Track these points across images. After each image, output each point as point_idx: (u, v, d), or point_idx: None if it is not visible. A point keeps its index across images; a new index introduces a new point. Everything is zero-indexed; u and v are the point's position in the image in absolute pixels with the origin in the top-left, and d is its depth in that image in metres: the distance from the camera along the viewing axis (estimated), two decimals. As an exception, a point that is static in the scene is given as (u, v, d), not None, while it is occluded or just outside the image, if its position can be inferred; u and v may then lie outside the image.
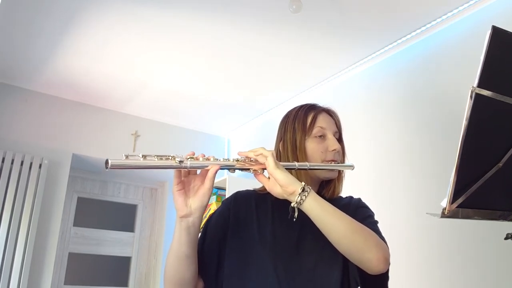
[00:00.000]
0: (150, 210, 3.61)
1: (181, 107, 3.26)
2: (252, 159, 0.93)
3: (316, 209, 0.87)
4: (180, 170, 0.89)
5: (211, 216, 1.06)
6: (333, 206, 0.89)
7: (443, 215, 0.84)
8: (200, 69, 2.72)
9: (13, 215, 2.55)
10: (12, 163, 2.66)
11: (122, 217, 3.54)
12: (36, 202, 2.65)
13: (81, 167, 3.22)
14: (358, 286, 0.96)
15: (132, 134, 3.31)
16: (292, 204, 0.88)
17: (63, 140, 3.00)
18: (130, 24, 2.27)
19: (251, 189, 1.11)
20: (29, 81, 2.88)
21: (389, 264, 0.87)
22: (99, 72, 2.76)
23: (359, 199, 1.10)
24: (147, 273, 3.43)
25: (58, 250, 2.91)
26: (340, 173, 1.09)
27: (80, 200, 3.30)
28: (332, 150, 1.05)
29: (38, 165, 2.74)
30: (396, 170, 2.23)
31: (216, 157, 0.90)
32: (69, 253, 3.13)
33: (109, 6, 2.14)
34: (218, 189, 2.92)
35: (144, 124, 3.39)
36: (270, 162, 0.89)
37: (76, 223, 3.22)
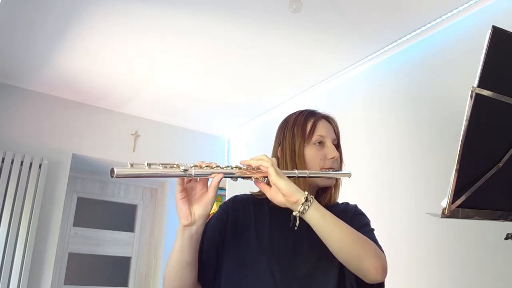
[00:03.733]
0: (150, 210, 3.61)
1: (181, 107, 3.26)
2: (253, 167, 0.93)
3: (318, 218, 0.87)
4: (184, 178, 0.88)
5: (209, 221, 1.05)
6: (333, 216, 0.89)
7: (443, 215, 0.84)
8: (200, 69, 2.72)
9: (13, 215, 2.55)
10: (12, 163, 2.66)
11: (122, 217, 3.54)
12: (36, 202, 2.65)
13: (81, 167, 3.22)
14: None
15: (132, 134, 3.32)
16: (294, 213, 0.88)
17: (63, 140, 3.00)
18: (130, 24, 2.27)
19: (249, 193, 1.10)
20: (29, 81, 2.88)
21: (387, 273, 0.88)
22: (99, 72, 2.76)
23: (355, 206, 1.11)
24: (147, 273, 3.43)
25: (58, 250, 2.91)
26: (337, 180, 1.09)
27: (80, 200, 3.30)
28: (331, 158, 1.05)
29: (38, 165, 2.74)
30: (396, 170, 2.23)
31: (218, 164, 0.90)
32: (69, 253, 3.13)
33: (109, 7, 2.14)
34: (218, 189, 2.92)
35: (144, 124, 3.39)
36: (271, 172, 0.89)
37: (76, 223, 3.22)
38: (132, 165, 0.80)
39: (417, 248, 2.00)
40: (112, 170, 0.78)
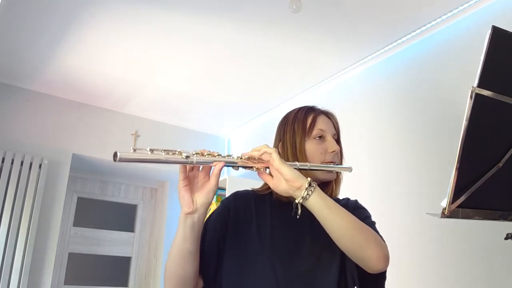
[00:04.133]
0: (150, 210, 3.61)
1: (181, 107, 3.26)
2: (255, 157, 0.93)
3: (321, 205, 0.87)
4: (186, 166, 0.89)
5: (210, 216, 1.06)
6: (336, 203, 0.89)
7: (443, 215, 0.84)
8: (200, 69, 2.72)
9: (13, 215, 2.55)
10: (12, 163, 2.66)
11: (122, 217, 3.54)
12: (36, 202, 2.65)
13: (81, 167, 3.22)
14: (355, 286, 0.97)
15: (132, 134, 3.32)
16: (297, 200, 0.87)
17: (63, 140, 3.00)
18: (131, 24, 2.27)
19: (250, 189, 1.11)
20: (29, 81, 2.88)
21: (389, 262, 0.87)
22: (99, 72, 2.76)
23: (356, 201, 1.11)
24: (147, 273, 3.43)
25: (58, 250, 2.91)
26: (338, 175, 1.10)
27: (80, 200, 3.30)
28: (332, 152, 1.06)
29: (38, 165, 2.74)
30: (396, 170, 2.23)
31: (220, 154, 0.91)
32: (69, 253, 3.13)
33: (109, 7, 2.14)
34: (218, 189, 2.91)
35: (144, 124, 3.39)
36: (275, 158, 0.89)
37: (76, 223, 3.22)
38: (135, 150, 0.82)
39: (417, 248, 2.00)
40: (115, 154, 0.79)
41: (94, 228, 3.28)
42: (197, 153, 0.87)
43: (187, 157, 0.85)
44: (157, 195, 3.68)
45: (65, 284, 3.06)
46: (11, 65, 2.69)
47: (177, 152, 0.85)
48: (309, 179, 0.88)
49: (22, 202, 2.61)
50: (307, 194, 0.86)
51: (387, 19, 2.17)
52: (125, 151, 0.80)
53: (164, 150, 0.84)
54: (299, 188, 0.87)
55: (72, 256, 3.14)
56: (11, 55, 2.58)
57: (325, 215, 0.87)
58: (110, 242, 3.32)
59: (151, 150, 0.83)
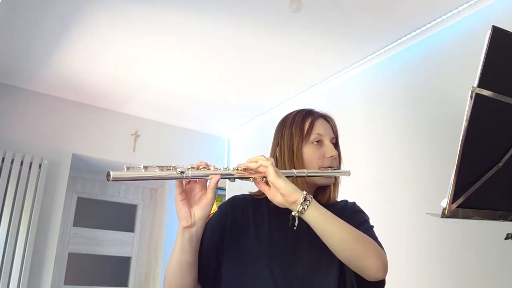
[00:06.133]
0: (150, 210, 3.61)
1: (181, 107, 3.26)
2: (252, 169, 0.92)
3: (317, 218, 0.87)
4: (182, 180, 0.88)
5: (208, 221, 1.05)
6: (333, 215, 0.89)
7: (443, 215, 0.84)
8: (200, 69, 2.72)
9: (13, 215, 2.55)
10: (12, 163, 2.66)
11: (122, 217, 3.54)
12: (36, 202, 2.65)
13: (81, 167, 3.22)
14: None
15: (132, 134, 3.32)
16: (293, 213, 0.88)
17: (63, 140, 3.00)
18: (130, 24, 2.27)
19: (248, 193, 1.10)
20: (29, 81, 2.88)
21: (387, 270, 0.88)
22: (99, 72, 2.76)
23: (354, 203, 1.11)
24: (147, 273, 3.43)
25: (58, 250, 2.91)
26: (336, 179, 1.09)
27: (80, 200, 3.30)
28: (330, 157, 1.05)
29: (38, 165, 2.74)
30: (395, 170, 2.23)
31: (216, 166, 0.90)
32: (69, 253, 3.13)
33: (109, 6, 2.14)
34: (218, 189, 2.91)
35: (144, 124, 3.39)
36: (270, 171, 0.89)
37: (76, 223, 3.22)
38: (128, 168, 0.79)
39: (417, 248, 2.00)
40: (108, 174, 0.77)
41: (94, 228, 3.28)
42: (192, 167, 0.87)
43: (181, 172, 0.84)
44: (157, 195, 3.68)
45: (65, 284, 3.06)
46: (11, 65, 2.69)
47: (171, 168, 0.83)
48: (304, 193, 0.88)
49: (22, 202, 2.61)
50: (302, 208, 0.86)
51: (387, 19, 2.16)
52: (118, 171, 0.78)
53: (158, 167, 0.82)
54: (294, 203, 0.87)
55: (72, 256, 3.14)
56: (11, 55, 2.58)
57: (322, 228, 0.87)
58: (110, 242, 3.32)
59: (145, 167, 0.81)
